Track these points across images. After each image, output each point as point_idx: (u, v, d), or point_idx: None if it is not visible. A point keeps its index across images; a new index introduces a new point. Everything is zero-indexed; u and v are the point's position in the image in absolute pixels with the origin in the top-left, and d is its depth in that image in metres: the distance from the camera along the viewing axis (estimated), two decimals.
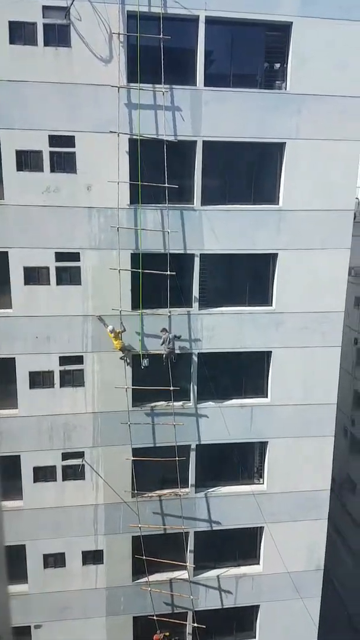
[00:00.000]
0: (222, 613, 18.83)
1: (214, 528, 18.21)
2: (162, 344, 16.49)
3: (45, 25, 15.54)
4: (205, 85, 16.18)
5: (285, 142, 16.66)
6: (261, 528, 18.62)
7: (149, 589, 18.00)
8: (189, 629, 18.61)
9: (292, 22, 16.04)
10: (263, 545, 18.74)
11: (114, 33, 15.58)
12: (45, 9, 15.41)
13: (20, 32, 15.55)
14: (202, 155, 16.36)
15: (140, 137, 15.90)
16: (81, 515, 17.57)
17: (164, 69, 15.53)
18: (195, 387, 17.43)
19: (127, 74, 15.76)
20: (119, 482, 17.46)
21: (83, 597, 18.02)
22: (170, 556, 18.02)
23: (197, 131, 16.28)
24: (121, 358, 16.69)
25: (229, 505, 18.19)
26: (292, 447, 18.04)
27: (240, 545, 18.89)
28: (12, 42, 15.57)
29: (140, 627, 18.35)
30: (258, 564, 18.98)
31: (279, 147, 16.77)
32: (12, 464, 17.11)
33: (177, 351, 16.75)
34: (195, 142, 16.34)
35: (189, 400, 17.51)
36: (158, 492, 17.93)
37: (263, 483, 18.42)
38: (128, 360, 16.79)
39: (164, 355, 16.57)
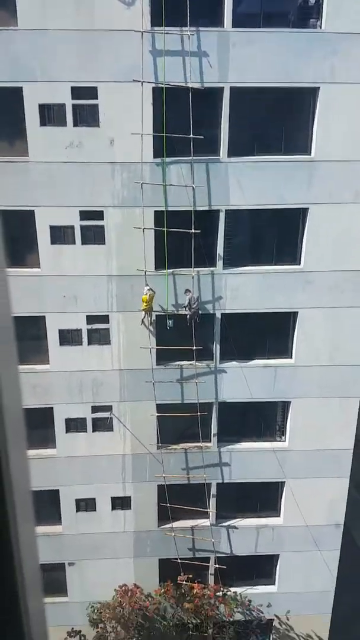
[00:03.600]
0: (243, 560, 18.07)
1: (235, 480, 16.94)
2: (186, 305, 14.62)
3: None
4: (233, 26, 13.52)
5: (319, 87, 13.96)
6: (282, 483, 17.57)
7: (173, 534, 17.04)
8: (211, 571, 17.71)
9: None
10: (284, 499, 17.77)
11: None
12: None
13: None
14: (230, 102, 13.95)
15: (165, 85, 13.48)
16: (110, 464, 16.92)
17: (190, 10, 12.92)
18: (218, 347, 15.84)
19: (151, 17, 13.18)
20: (144, 434, 16.70)
21: (112, 539, 17.62)
22: (193, 505, 17.11)
23: (224, 77, 13.96)
24: (146, 322, 14.95)
25: (251, 460, 17.10)
26: (316, 407, 16.54)
27: (261, 498, 18.04)
28: None
29: (165, 568, 17.79)
30: (278, 516, 17.89)
31: (312, 92, 14.32)
32: (45, 415, 16.72)
33: (201, 312, 14.84)
34: (222, 88, 13.84)
35: (212, 359, 15.87)
36: (181, 445, 16.82)
37: (285, 441, 16.91)
38: (149, 324, 15.05)
39: (187, 316, 14.75)
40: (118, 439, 16.80)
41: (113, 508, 17.38)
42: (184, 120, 13.99)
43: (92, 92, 14.08)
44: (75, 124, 14.32)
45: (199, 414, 16.06)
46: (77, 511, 17.33)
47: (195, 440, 16.84)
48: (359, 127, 14.35)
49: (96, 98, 14.14)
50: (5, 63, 13.76)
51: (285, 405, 16.97)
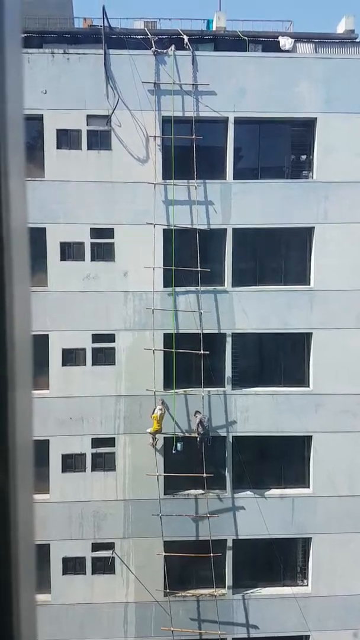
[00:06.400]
0: None
1: (253, 635, 14.72)
2: (197, 426, 14.30)
3: (88, 132, 15.41)
4: (234, 178, 15.63)
5: (314, 227, 15.34)
6: (307, 637, 14.91)
7: None
8: None
9: (316, 118, 15.30)
10: None
11: (150, 136, 15.30)
12: (89, 117, 15.40)
13: (66, 138, 15.62)
14: (233, 240, 15.46)
15: (174, 228, 14.95)
16: (111, 613, 14.94)
17: (197, 165, 15.16)
18: (231, 475, 15.03)
19: (163, 171, 15.25)
20: (150, 578, 14.91)
21: None
22: None
23: (226, 220, 15.54)
24: (154, 444, 14.46)
25: (270, 609, 15.05)
26: (340, 544, 15.06)
27: None
28: (59, 147, 15.60)
29: None
30: None
31: (308, 231, 15.61)
32: (41, 554, 14.86)
33: (211, 434, 14.45)
34: (225, 229, 15.28)
35: (225, 488, 15.02)
36: (192, 591, 14.97)
37: (307, 585, 15.13)
38: (154, 444, 14.57)
39: (198, 439, 14.30)
40: (120, 584, 14.97)
41: None
42: (191, 255, 15.06)
43: (109, 233, 15.40)
44: (93, 259, 15.41)
45: (212, 554, 14.53)
46: None
47: (208, 586, 14.96)
48: (355, 260, 15.42)
49: (112, 237, 15.44)
50: (32, 207, 15.42)
51: (306, 542, 15.37)
